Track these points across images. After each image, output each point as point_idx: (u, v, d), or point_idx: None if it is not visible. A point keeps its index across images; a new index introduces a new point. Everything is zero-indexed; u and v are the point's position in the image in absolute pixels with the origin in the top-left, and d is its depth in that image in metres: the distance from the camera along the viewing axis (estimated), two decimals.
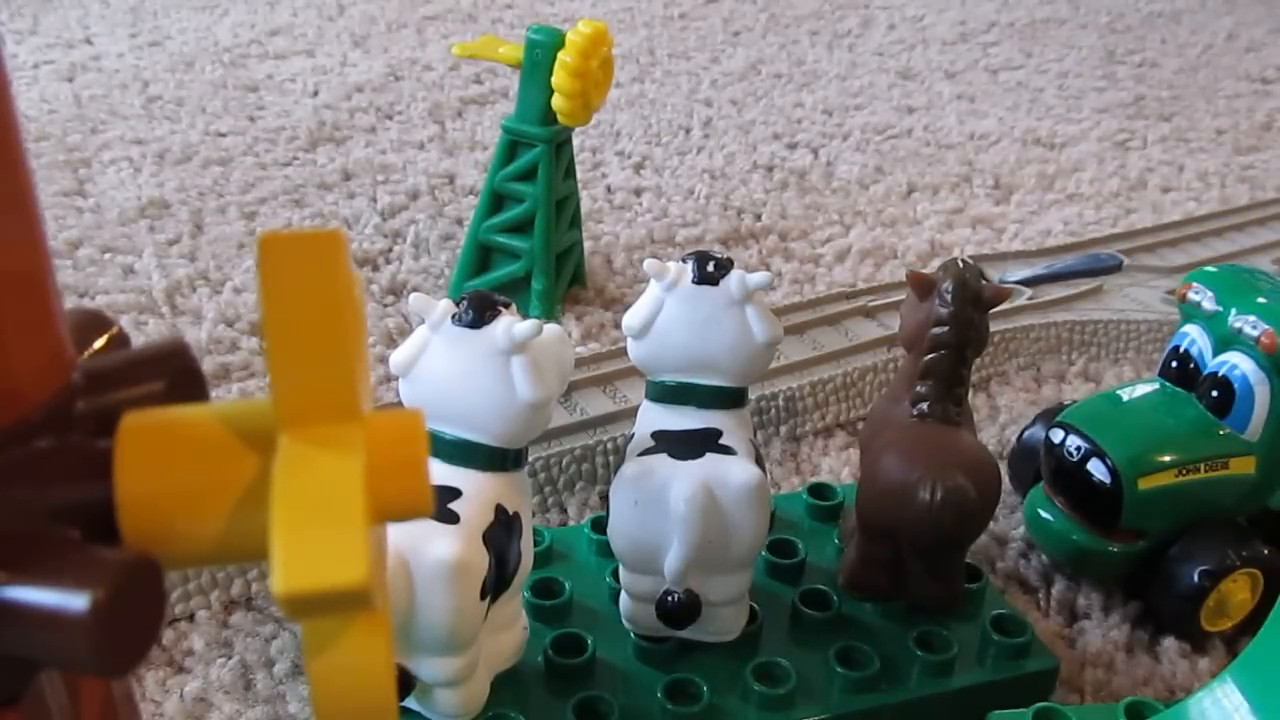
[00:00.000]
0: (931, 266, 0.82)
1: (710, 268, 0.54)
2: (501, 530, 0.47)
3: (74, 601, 0.21)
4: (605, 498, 0.54)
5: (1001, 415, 0.81)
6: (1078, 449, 0.63)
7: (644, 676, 0.54)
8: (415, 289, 0.92)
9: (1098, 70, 1.57)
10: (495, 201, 0.87)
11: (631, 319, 0.55)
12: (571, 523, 0.69)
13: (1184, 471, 0.62)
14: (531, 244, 0.86)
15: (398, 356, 0.49)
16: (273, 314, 0.23)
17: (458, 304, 0.48)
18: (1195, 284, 0.64)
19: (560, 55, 0.79)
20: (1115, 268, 0.99)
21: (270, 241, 0.23)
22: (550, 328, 0.49)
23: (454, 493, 0.47)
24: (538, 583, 0.57)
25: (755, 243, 1.03)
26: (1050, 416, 0.68)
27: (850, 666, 0.54)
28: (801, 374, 0.81)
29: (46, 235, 0.24)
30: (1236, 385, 0.62)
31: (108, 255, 0.95)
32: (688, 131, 1.29)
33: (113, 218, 1.01)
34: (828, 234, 1.06)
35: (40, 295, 0.24)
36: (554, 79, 0.80)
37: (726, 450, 0.52)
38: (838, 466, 0.75)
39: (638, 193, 1.12)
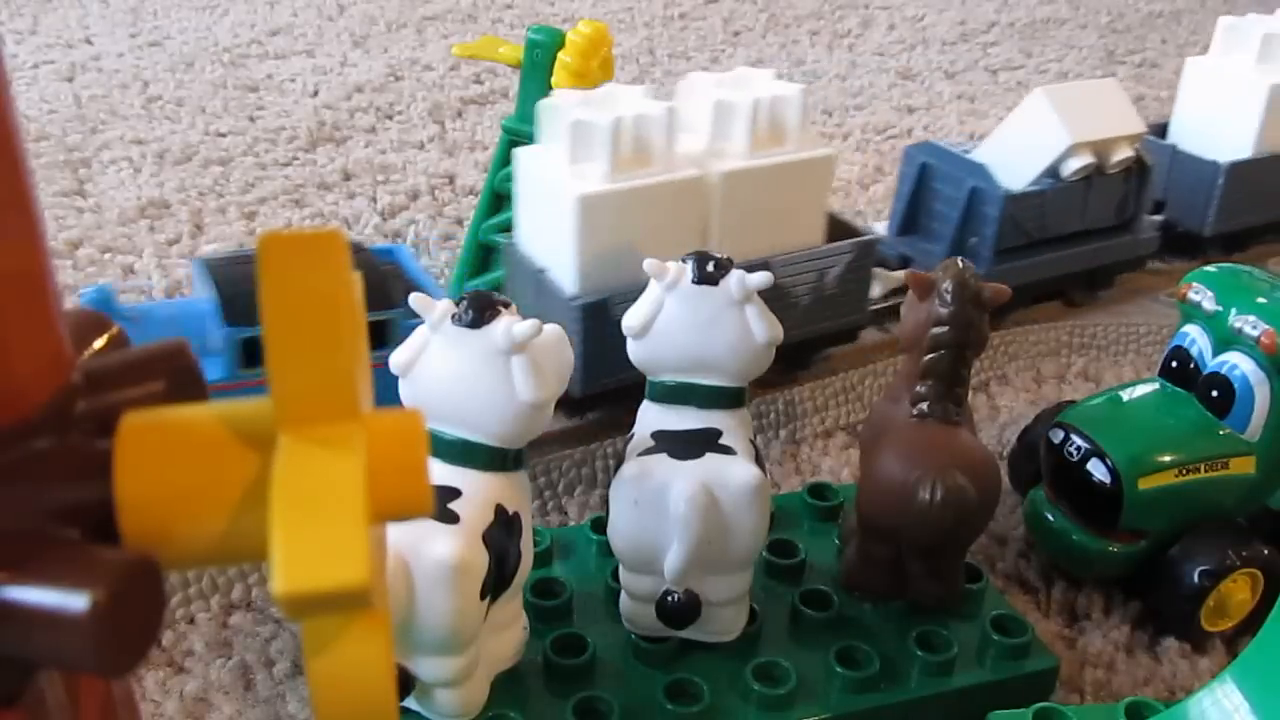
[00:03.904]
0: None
1: (710, 268, 0.54)
2: (501, 530, 0.47)
3: (74, 601, 0.21)
4: (607, 500, 0.54)
5: (1001, 415, 0.81)
6: (1078, 449, 0.63)
7: (644, 676, 0.54)
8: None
9: (1098, 70, 1.57)
10: (495, 201, 0.87)
11: (631, 319, 0.55)
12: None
13: (1184, 471, 0.62)
14: None
15: (398, 356, 0.49)
16: (273, 314, 0.23)
17: (458, 304, 0.48)
18: (1195, 284, 0.64)
19: (560, 55, 0.79)
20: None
21: (270, 241, 0.23)
22: (550, 328, 0.49)
23: (454, 493, 0.47)
24: (538, 583, 0.57)
25: None
26: (1050, 416, 0.68)
27: (850, 666, 0.54)
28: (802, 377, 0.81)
29: (46, 235, 0.24)
30: (1236, 385, 0.62)
31: (108, 255, 0.95)
32: None
33: (113, 218, 1.01)
34: None
35: (40, 295, 0.24)
36: (554, 79, 0.80)
37: (726, 450, 0.52)
38: (837, 467, 0.75)
39: None
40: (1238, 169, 0.99)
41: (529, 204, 0.75)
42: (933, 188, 0.93)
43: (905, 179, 0.94)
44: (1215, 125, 1.01)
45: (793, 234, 0.76)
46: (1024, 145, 0.90)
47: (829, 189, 0.80)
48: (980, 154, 0.92)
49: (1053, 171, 0.89)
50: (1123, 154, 0.90)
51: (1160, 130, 1.04)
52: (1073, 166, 0.88)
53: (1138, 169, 0.91)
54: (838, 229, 0.82)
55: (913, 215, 0.94)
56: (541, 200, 0.73)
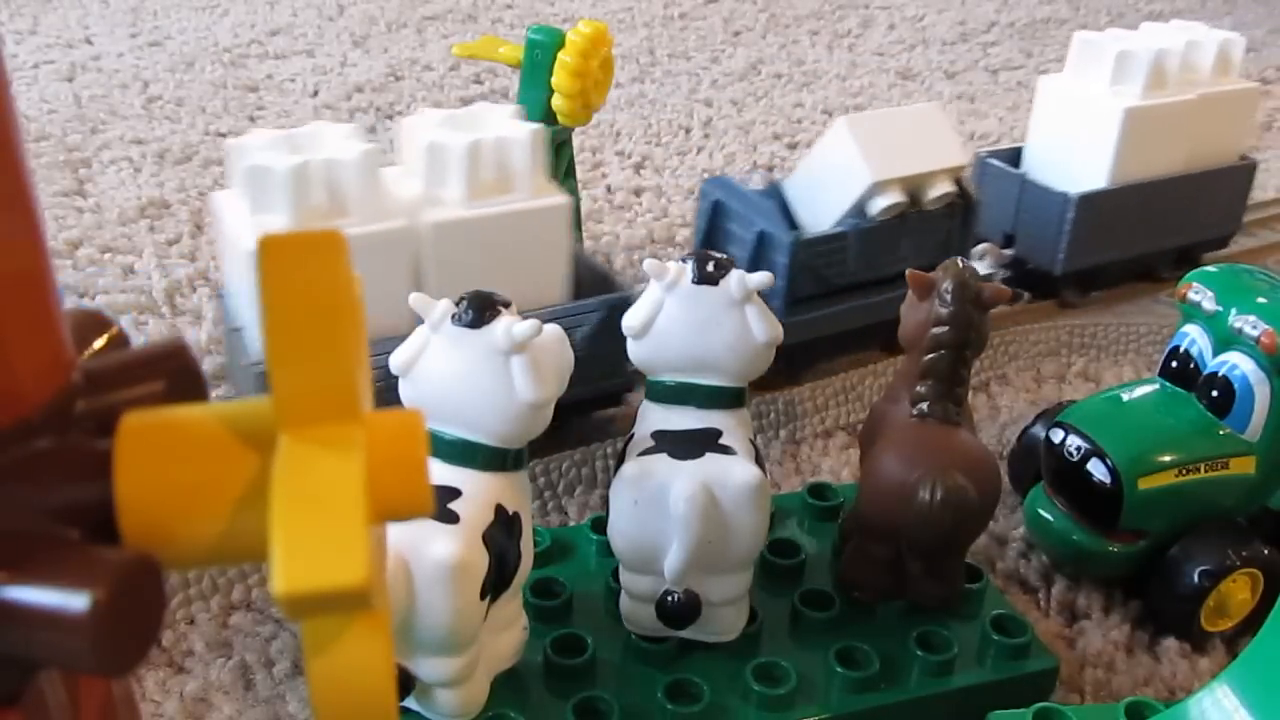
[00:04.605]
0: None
1: (710, 268, 0.54)
2: (501, 530, 0.47)
3: (74, 601, 0.21)
4: (607, 500, 0.54)
5: (1001, 415, 0.81)
6: (1078, 449, 0.63)
7: (644, 676, 0.54)
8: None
9: None
10: None
11: (631, 319, 0.55)
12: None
13: (1184, 471, 0.62)
14: None
15: (398, 356, 0.48)
16: (273, 314, 0.23)
17: (458, 304, 0.48)
18: (1195, 284, 0.64)
19: (560, 55, 0.79)
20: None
21: (270, 242, 0.23)
22: (550, 328, 0.49)
23: (454, 493, 0.47)
24: (538, 583, 0.57)
25: None
26: (1050, 416, 0.68)
27: (850, 666, 0.54)
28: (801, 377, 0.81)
29: (46, 235, 0.24)
30: (1236, 385, 0.62)
31: (108, 255, 0.95)
32: (688, 131, 1.29)
33: (113, 218, 1.01)
34: None
35: (40, 295, 0.24)
36: (554, 79, 0.80)
37: (726, 450, 0.52)
38: (837, 467, 0.75)
39: (638, 193, 1.12)
40: (1090, 201, 0.88)
41: (225, 255, 0.68)
42: (726, 228, 0.81)
43: (701, 216, 0.83)
44: (1068, 152, 0.91)
45: (527, 291, 0.64)
46: (828, 182, 0.79)
47: (568, 241, 0.70)
48: (789, 189, 0.81)
49: (860, 210, 0.78)
50: (941, 189, 0.79)
51: (1015, 156, 0.96)
52: (880, 205, 0.77)
53: (961, 204, 0.81)
54: (594, 283, 0.72)
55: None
56: (230, 252, 0.65)
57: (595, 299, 0.70)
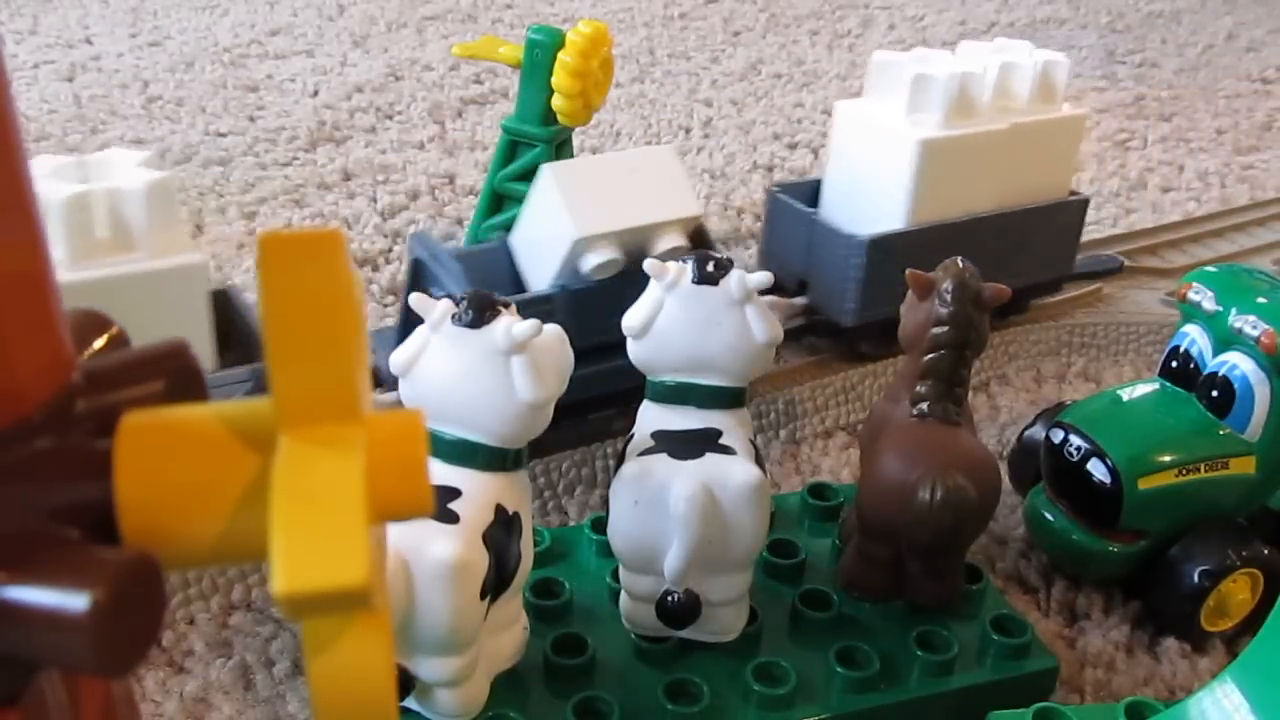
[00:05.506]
0: None
1: (710, 268, 0.54)
2: (501, 530, 0.47)
3: (74, 601, 0.21)
4: (607, 500, 0.54)
5: (1001, 415, 0.81)
6: (1078, 449, 0.63)
7: (644, 676, 0.54)
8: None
9: (1098, 70, 1.57)
10: (495, 201, 0.87)
11: (631, 319, 0.55)
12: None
13: (1184, 471, 0.62)
14: None
15: (398, 356, 0.49)
16: (272, 314, 0.23)
17: (457, 304, 0.48)
18: (1195, 284, 0.64)
19: (560, 55, 0.79)
20: (1115, 269, 0.99)
21: (270, 241, 0.23)
22: (550, 328, 0.49)
23: (454, 493, 0.47)
24: (538, 583, 0.57)
25: (755, 243, 1.03)
26: (1050, 416, 0.68)
27: (850, 666, 0.54)
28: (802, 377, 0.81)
29: (47, 235, 0.24)
30: (1236, 385, 0.62)
31: None
32: (688, 131, 1.29)
33: None
34: None
35: (40, 295, 0.24)
36: (554, 79, 0.80)
37: (726, 450, 0.52)
38: (837, 467, 0.75)
39: None
40: (882, 245, 0.77)
41: None
42: (428, 291, 0.68)
43: (407, 276, 0.74)
44: (863, 189, 0.80)
45: None
46: (540, 238, 0.70)
47: (205, 304, 0.61)
48: (514, 246, 0.74)
49: (573, 269, 0.69)
50: (670, 243, 0.69)
51: (816, 191, 0.85)
52: (591, 263, 0.68)
53: None
54: (253, 346, 0.63)
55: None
56: None
57: (246, 367, 0.60)
